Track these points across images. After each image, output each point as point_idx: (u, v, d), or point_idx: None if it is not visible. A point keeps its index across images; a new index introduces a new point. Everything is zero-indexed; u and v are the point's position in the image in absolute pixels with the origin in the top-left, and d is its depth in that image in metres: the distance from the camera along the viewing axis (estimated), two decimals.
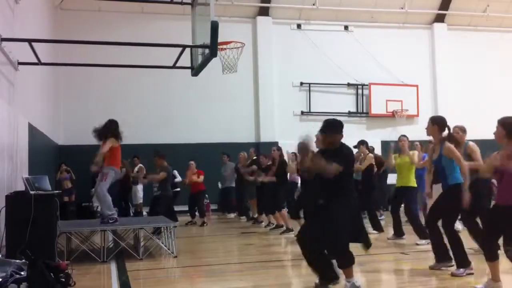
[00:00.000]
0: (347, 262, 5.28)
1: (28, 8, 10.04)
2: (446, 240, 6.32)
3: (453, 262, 6.29)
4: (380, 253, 8.34)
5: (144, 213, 14.54)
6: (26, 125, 9.52)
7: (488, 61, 18.86)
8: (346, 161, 5.40)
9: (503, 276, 5.26)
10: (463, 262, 6.08)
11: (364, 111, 18.23)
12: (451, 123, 7.26)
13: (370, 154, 10.60)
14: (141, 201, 14.56)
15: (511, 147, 5.01)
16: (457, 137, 7.59)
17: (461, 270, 6.01)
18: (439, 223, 6.38)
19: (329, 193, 5.39)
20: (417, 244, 8.48)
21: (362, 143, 10.62)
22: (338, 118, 6.03)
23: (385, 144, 14.21)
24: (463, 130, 7.63)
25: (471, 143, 7.47)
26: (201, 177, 12.85)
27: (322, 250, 5.51)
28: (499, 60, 18.90)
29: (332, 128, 5.60)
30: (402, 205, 9.36)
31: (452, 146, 6.24)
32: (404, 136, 9.54)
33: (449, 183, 6.23)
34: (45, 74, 12.64)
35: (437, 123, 6.40)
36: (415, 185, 9.17)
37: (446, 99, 18.53)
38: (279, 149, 11.32)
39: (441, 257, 6.39)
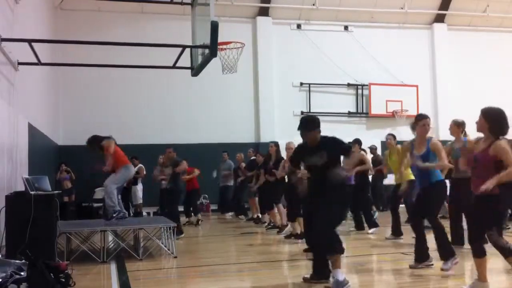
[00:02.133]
0: (332, 249, 5.40)
1: (28, 8, 10.04)
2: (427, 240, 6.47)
3: (432, 261, 6.42)
4: (380, 253, 8.35)
5: (144, 213, 14.60)
6: (26, 125, 9.53)
7: (488, 61, 18.86)
8: (331, 149, 5.65)
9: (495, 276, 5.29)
10: (448, 253, 6.17)
11: (364, 111, 18.23)
12: None
13: (362, 153, 10.64)
14: (140, 201, 14.57)
15: (490, 139, 4.98)
16: (451, 131, 7.65)
17: (448, 263, 6.11)
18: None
19: (322, 183, 5.58)
20: None
21: (357, 142, 10.68)
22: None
23: (385, 145, 14.18)
24: (457, 124, 7.62)
25: (469, 139, 7.45)
26: (196, 171, 12.71)
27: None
28: (499, 60, 18.90)
29: (310, 124, 5.80)
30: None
31: (439, 143, 6.31)
32: (390, 134, 9.81)
33: (431, 180, 6.30)
34: (45, 74, 12.64)
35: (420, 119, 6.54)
36: (412, 178, 9.15)
37: (446, 99, 18.54)
38: (277, 145, 11.29)
39: (421, 256, 6.47)
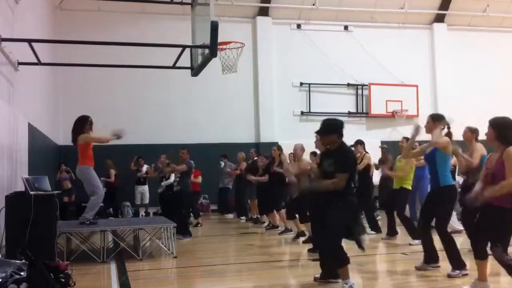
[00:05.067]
0: (339, 261, 5.38)
1: (28, 8, 10.04)
2: (435, 242, 6.41)
3: (439, 263, 6.39)
4: (380, 253, 8.36)
5: (142, 213, 14.71)
6: (26, 125, 9.52)
7: (488, 61, 18.84)
8: (343, 163, 5.48)
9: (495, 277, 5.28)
10: (458, 263, 6.11)
11: (364, 111, 18.22)
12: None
13: (368, 154, 10.57)
14: (147, 201, 14.71)
15: (501, 148, 4.94)
16: (464, 137, 7.61)
17: (457, 271, 6.04)
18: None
19: (328, 194, 5.47)
20: (410, 244, 8.47)
21: (359, 143, 10.64)
22: (338, 118, 6.07)
23: (384, 145, 14.18)
24: (472, 130, 7.59)
25: (478, 144, 7.46)
26: (199, 178, 12.71)
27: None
28: (499, 60, 18.88)
29: (325, 129, 5.69)
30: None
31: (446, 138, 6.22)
32: (404, 138, 9.57)
33: (440, 184, 6.22)
34: (45, 74, 12.63)
35: (438, 120, 6.39)
36: (409, 187, 9.16)
37: (446, 99, 18.52)
38: (279, 148, 11.32)
39: (429, 258, 6.46)
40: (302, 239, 9.37)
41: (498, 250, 4.84)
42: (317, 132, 5.78)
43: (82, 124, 7.97)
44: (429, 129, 6.39)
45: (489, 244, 5.03)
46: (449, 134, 6.41)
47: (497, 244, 4.85)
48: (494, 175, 4.95)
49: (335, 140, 5.62)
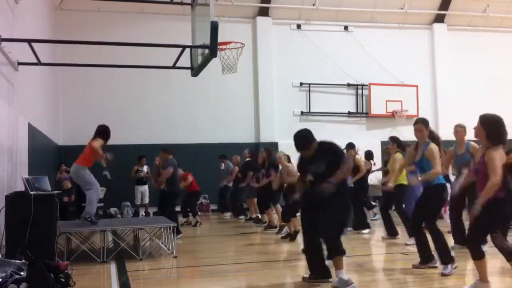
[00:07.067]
0: (336, 250, 5.57)
1: (28, 8, 10.04)
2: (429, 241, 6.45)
3: (436, 262, 6.39)
4: (380, 253, 8.36)
5: (142, 213, 14.71)
6: (26, 125, 9.52)
7: (488, 61, 18.84)
8: (329, 158, 5.70)
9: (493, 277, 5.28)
10: (447, 258, 6.19)
11: (364, 111, 18.21)
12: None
13: (357, 156, 10.73)
14: (147, 201, 14.74)
15: (487, 144, 4.95)
16: (456, 134, 7.66)
17: (448, 267, 6.11)
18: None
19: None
20: (407, 244, 8.45)
21: (350, 146, 10.72)
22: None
23: (384, 145, 14.21)
24: (465, 127, 7.65)
25: (472, 143, 7.49)
26: (189, 179, 12.56)
27: (319, 247, 5.82)
28: (499, 60, 18.88)
29: (304, 142, 5.92)
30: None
31: (435, 148, 6.24)
32: (390, 137, 9.64)
33: (432, 182, 6.27)
34: (45, 74, 12.63)
35: (425, 124, 6.45)
36: (403, 182, 9.14)
37: (446, 99, 18.53)
38: (268, 150, 11.49)
39: (424, 257, 6.49)
40: (281, 234, 9.82)
41: (498, 237, 4.88)
42: (299, 149, 5.96)
43: (100, 132, 8.05)
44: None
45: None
46: (435, 138, 6.38)
47: (497, 231, 4.87)
48: (477, 170, 4.99)
49: (315, 146, 5.87)
